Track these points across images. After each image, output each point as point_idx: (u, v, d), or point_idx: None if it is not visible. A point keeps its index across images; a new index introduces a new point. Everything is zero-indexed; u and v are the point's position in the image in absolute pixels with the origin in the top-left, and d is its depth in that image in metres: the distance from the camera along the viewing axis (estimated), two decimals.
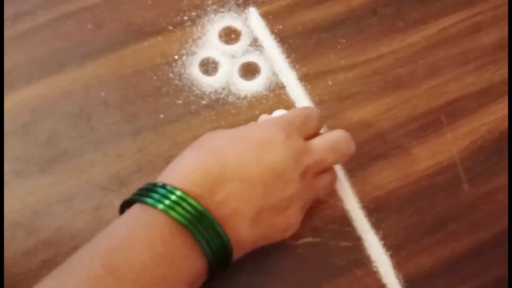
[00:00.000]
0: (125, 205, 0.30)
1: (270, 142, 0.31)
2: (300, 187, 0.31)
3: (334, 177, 0.36)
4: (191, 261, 0.27)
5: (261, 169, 0.30)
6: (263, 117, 0.38)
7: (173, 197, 0.27)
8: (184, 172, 0.29)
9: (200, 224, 0.27)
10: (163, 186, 0.28)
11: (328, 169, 0.35)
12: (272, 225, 0.31)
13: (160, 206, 0.27)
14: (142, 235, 0.27)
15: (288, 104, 0.42)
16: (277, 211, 0.31)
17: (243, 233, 0.29)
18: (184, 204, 0.27)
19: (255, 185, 0.29)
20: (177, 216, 0.27)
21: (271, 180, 0.30)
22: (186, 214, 0.27)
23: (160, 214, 0.27)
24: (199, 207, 0.27)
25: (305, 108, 0.37)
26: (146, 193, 0.28)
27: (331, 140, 0.33)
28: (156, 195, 0.27)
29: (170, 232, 0.27)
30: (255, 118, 0.41)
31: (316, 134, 0.35)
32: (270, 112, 0.41)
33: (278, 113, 0.39)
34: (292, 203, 0.31)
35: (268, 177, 0.30)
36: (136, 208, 0.28)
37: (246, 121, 0.41)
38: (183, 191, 0.27)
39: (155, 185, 0.28)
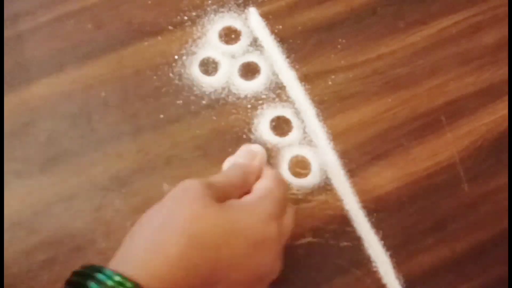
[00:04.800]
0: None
1: (266, 242, 0.27)
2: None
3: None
4: None
5: (251, 273, 0.27)
6: (229, 162, 0.35)
7: (109, 283, 0.23)
8: (163, 267, 0.24)
9: None
10: (102, 270, 0.24)
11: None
12: None
13: None
14: None
15: (287, 104, 0.42)
16: None
17: None
18: None
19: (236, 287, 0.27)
20: None
21: (255, 282, 0.28)
22: None
23: None
24: None
25: (279, 178, 0.32)
26: (84, 279, 0.24)
27: (293, 218, 0.31)
28: (93, 285, 0.23)
29: None
30: (255, 117, 0.41)
31: None
32: (269, 113, 0.41)
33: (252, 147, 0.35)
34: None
35: (254, 280, 0.28)
36: None
37: (247, 122, 0.41)
38: (124, 277, 0.23)
39: (96, 269, 0.24)
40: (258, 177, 0.32)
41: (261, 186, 0.31)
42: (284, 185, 0.32)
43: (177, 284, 0.24)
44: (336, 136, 0.41)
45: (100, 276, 0.23)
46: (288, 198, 0.33)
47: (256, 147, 0.35)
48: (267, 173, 0.32)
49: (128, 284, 0.23)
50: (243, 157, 0.34)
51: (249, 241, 0.27)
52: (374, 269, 0.37)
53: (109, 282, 0.23)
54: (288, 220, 0.31)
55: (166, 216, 0.26)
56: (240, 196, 0.30)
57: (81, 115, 0.41)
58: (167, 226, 0.26)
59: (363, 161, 0.40)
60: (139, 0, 0.46)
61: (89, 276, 0.24)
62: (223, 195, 0.28)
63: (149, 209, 0.28)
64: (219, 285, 0.26)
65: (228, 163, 0.35)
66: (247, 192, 0.31)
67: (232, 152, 0.40)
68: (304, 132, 0.41)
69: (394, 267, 0.37)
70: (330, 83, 0.43)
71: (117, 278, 0.23)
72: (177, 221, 0.26)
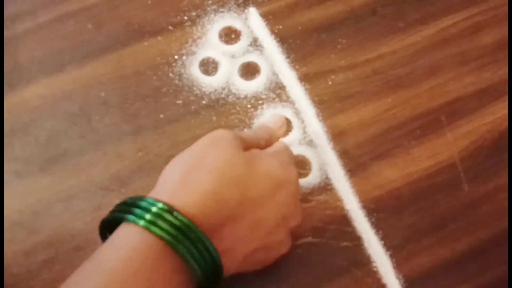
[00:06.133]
0: (107, 223, 0.27)
1: (286, 184, 0.30)
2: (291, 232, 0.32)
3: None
4: (179, 279, 0.26)
5: (274, 212, 0.29)
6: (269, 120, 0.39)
7: (154, 209, 0.25)
8: (196, 196, 0.27)
9: (186, 239, 0.25)
10: (143, 199, 0.26)
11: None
12: (261, 260, 0.31)
13: (141, 222, 0.25)
14: (128, 257, 0.24)
15: (287, 104, 0.42)
16: (271, 248, 0.31)
17: (230, 267, 0.28)
18: (168, 217, 0.25)
19: (261, 226, 0.29)
20: (159, 232, 0.25)
21: (277, 223, 0.30)
22: (170, 229, 0.25)
23: (144, 231, 0.25)
24: (185, 220, 0.25)
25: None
26: (128, 208, 0.26)
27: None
28: (137, 210, 0.25)
29: (155, 250, 0.25)
30: (255, 117, 0.41)
31: None
32: (269, 113, 0.42)
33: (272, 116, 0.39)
34: (286, 240, 0.32)
35: (277, 219, 0.30)
36: (122, 228, 0.26)
37: (247, 122, 0.41)
38: (169, 205, 0.25)
39: (138, 198, 0.26)
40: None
41: (277, 145, 0.35)
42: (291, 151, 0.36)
43: (207, 213, 0.26)
44: (336, 136, 0.41)
45: (143, 203, 0.26)
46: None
47: (282, 118, 0.39)
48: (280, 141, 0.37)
49: (167, 208, 0.25)
50: (272, 122, 0.38)
51: (273, 181, 0.29)
52: (374, 269, 0.37)
53: (154, 209, 0.25)
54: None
55: (199, 157, 0.29)
56: None
57: (81, 115, 0.41)
58: (200, 165, 0.28)
59: (363, 161, 0.40)
60: (139, 0, 0.46)
61: (133, 205, 0.26)
62: (249, 148, 0.31)
63: (180, 153, 0.30)
64: (246, 218, 0.28)
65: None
66: None
67: None
68: (304, 132, 0.41)
69: (394, 267, 0.37)
70: (330, 83, 0.43)
71: (160, 205, 0.25)
72: (209, 161, 0.28)
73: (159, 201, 0.26)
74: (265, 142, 0.34)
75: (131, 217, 0.25)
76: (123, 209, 0.26)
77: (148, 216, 0.25)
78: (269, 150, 0.33)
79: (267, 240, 0.30)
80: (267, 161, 0.30)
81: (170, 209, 0.25)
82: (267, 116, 0.40)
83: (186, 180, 0.28)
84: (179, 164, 0.29)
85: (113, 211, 0.27)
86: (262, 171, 0.29)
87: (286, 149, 0.34)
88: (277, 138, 0.37)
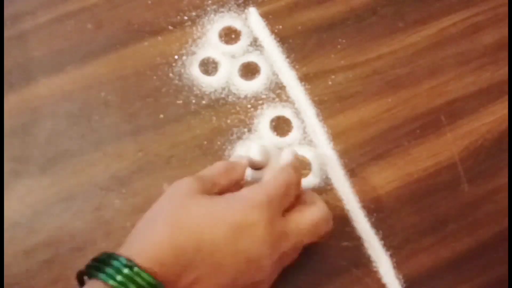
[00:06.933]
0: (83, 274, 0.28)
1: (249, 228, 0.29)
2: (273, 270, 0.30)
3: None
4: None
5: (235, 258, 0.29)
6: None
7: (125, 271, 0.26)
8: (152, 248, 0.27)
9: None
10: (117, 258, 0.27)
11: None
12: None
13: (111, 282, 0.26)
14: None
15: (287, 104, 0.42)
16: None
17: None
18: (139, 280, 0.26)
19: (226, 270, 0.28)
20: None
21: (244, 267, 0.29)
22: None
23: None
24: (152, 281, 0.26)
25: (287, 172, 0.33)
26: (101, 265, 0.27)
27: (312, 221, 0.32)
28: (109, 270, 0.26)
29: None
30: (255, 117, 0.41)
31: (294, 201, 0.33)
32: (269, 113, 0.42)
33: (285, 154, 0.35)
34: (261, 284, 0.31)
35: (242, 264, 0.29)
36: (92, 284, 0.27)
37: (247, 122, 0.41)
38: (139, 267, 0.26)
39: (111, 256, 0.27)
40: (297, 193, 0.33)
41: (266, 176, 0.34)
42: (290, 174, 0.33)
43: (167, 264, 0.27)
44: (336, 136, 0.41)
45: (115, 263, 0.27)
46: (301, 190, 0.34)
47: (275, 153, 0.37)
48: (282, 164, 0.34)
49: (134, 270, 0.26)
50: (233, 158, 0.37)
51: (230, 225, 0.29)
52: (374, 269, 0.37)
53: (125, 270, 0.26)
54: (304, 215, 0.32)
55: (156, 210, 0.30)
56: (237, 189, 0.32)
57: (81, 115, 0.41)
58: (155, 218, 0.30)
59: (363, 161, 0.40)
60: (139, 0, 0.46)
61: (105, 263, 0.27)
62: (212, 185, 0.32)
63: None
64: (205, 263, 0.28)
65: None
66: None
67: (232, 151, 0.40)
68: (304, 132, 0.41)
69: (394, 267, 0.37)
70: (330, 83, 0.43)
71: (127, 268, 0.26)
72: (164, 212, 0.30)
73: (127, 260, 0.26)
74: (224, 169, 0.33)
75: (102, 275, 0.26)
76: (97, 266, 0.27)
77: (118, 278, 0.26)
78: (245, 189, 0.31)
79: (238, 284, 0.29)
80: (228, 204, 0.30)
81: (137, 271, 0.26)
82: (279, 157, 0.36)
83: (144, 235, 0.29)
84: (143, 219, 0.30)
85: (88, 266, 0.28)
86: (219, 214, 0.29)
87: (271, 180, 0.31)
88: (241, 166, 0.34)
